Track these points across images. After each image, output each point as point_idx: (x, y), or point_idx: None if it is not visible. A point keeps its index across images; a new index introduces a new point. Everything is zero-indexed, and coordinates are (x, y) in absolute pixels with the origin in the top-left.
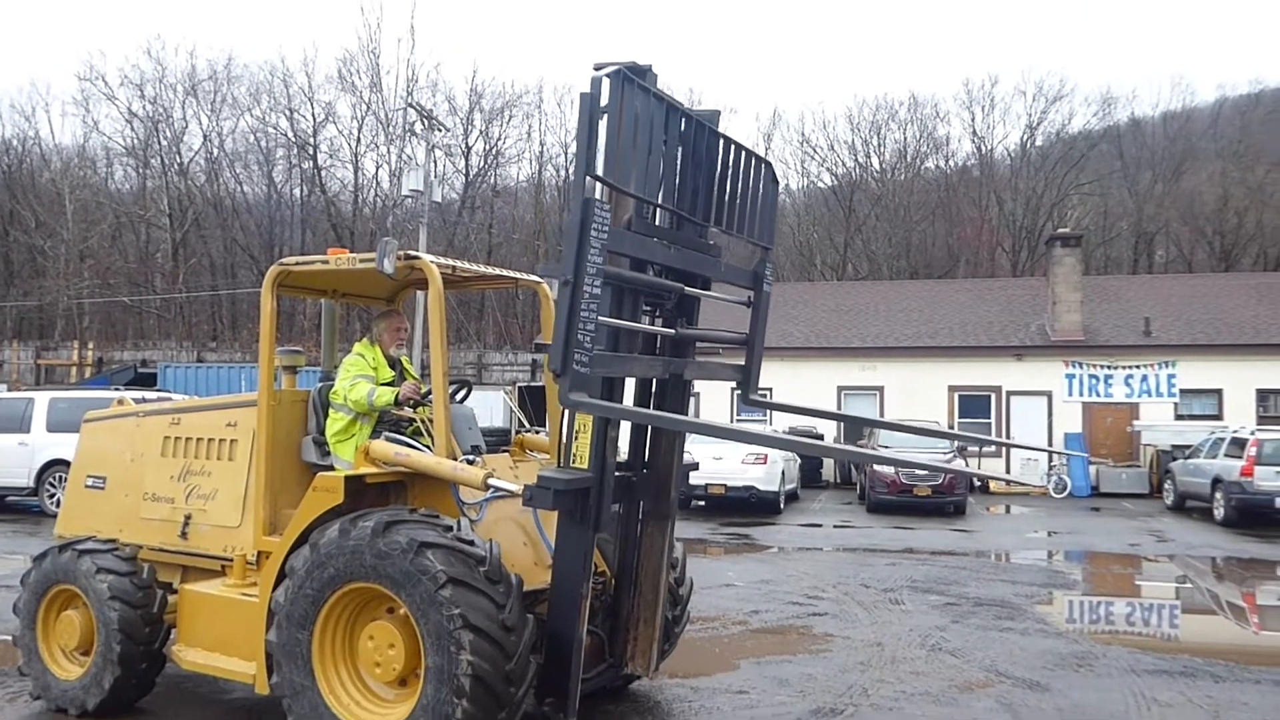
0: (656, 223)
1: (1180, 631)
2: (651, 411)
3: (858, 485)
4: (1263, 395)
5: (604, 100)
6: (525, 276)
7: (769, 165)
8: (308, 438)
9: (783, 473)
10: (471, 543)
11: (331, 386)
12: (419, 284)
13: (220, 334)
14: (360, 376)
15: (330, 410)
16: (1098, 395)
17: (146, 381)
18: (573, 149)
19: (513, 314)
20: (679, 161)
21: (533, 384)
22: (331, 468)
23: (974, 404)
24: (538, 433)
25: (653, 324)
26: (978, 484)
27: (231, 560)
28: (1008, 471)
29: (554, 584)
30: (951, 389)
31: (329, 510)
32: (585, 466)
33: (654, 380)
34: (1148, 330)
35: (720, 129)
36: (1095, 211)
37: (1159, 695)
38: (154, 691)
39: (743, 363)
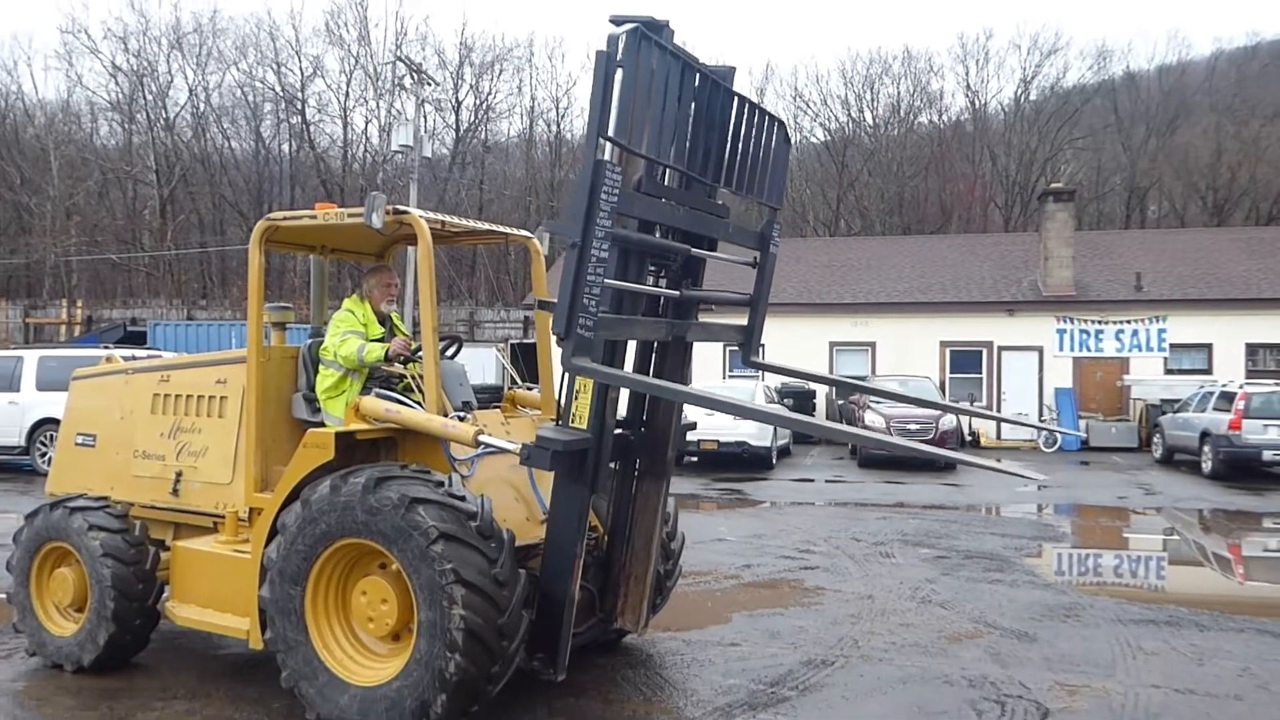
0: (665, 183)
1: (1166, 582)
2: (654, 380)
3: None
4: (1252, 349)
5: (619, 57)
6: (516, 232)
7: (782, 125)
8: (298, 394)
9: (775, 428)
10: (463, 498)
11: (321, 343)
12: (408, 239)
13: (210, 291)
14: (350, 332)
15: (320, 366)
16: (1088, 350)
17: (136, 339)
18: (565, 104)
19: (505, 271)
20: (691, 120)
21: (525, 341)
22: (322, 424)
23: (965, 359)
24: (530, 389)
25: (657, 285)
26: (969, 439)
27: (223, 517)
28: (998, 428)
29: (548, 542)
30: (943, 344)
31: (320, 467)
32: (584, 427)
33: (655, 342)
34: (1139, 285)
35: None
36: (1088, 166)
37: (1144, 644)
38: (149, 647)
39: (744, 323)
